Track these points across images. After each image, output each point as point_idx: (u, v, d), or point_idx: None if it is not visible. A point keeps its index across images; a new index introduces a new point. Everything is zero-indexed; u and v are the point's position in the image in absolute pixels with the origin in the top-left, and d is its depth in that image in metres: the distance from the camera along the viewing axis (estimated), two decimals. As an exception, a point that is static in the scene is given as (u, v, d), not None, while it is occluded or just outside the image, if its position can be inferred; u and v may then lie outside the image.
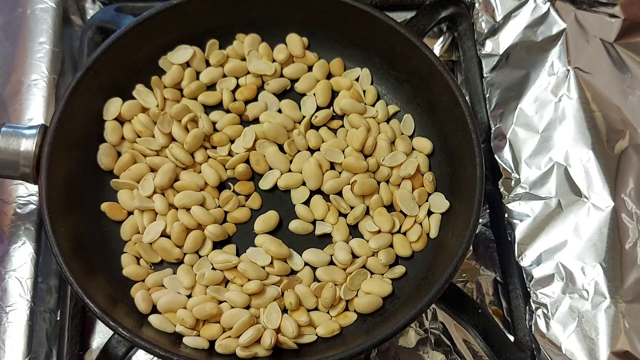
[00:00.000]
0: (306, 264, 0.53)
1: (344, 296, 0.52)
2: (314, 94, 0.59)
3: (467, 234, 0.49)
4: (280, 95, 0.59)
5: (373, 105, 0.58)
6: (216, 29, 0.59)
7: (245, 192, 0.56)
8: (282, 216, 0.55)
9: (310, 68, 0.59)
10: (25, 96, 0.60)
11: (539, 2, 0.61)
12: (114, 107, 0.56)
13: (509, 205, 0.56)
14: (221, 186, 0.56)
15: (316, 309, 0.52)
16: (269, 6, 0.58)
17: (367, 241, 0.54)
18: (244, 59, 0.59)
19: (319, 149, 0.56)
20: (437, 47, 0.67)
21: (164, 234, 0.53)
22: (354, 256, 0.53)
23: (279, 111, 0.58)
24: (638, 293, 0.51)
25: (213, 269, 0.52)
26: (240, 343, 0.48)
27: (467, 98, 0.58)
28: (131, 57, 0.56)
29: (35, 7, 0.63)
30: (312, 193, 0.55)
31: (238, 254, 0.53)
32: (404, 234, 0.54)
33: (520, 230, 0.54)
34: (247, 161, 0.56)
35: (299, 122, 0.57)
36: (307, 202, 0.55)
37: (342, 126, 0.58)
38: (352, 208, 0.55)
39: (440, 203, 0.55)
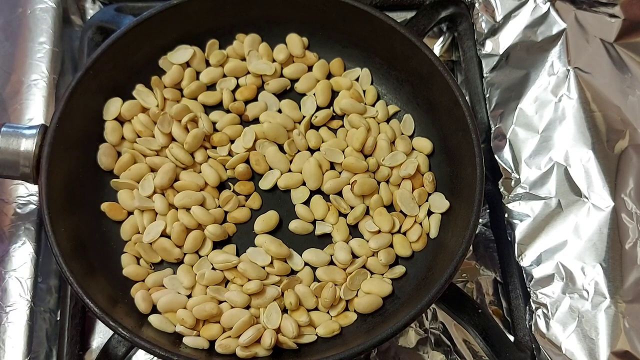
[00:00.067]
0: (306, 264, 0.53)
1: (344, 296, 0.52)
2: (314, 94, 0.58)
3: (467, 234, 0.49)
4: (280, 95, 0.59)
5: (373, 105, 0.58)
6: (216, 29, 0.59)
7: (245, 192, 0.56)
8: (282, 216, 0.55)
9: (310, 68, 0.59)
10: (25, 96, 0.60)
11: (539, 2, 0.61)
12: (114, 107, 0.56)
13: (509, 205, 0.56)
14: (221, 186, 0.56)
15: (316, 309, 0.52)
16: (269, 6, 0.58)
17: (367, 241, 0.53)
18: (244, 59, 0.59)
19: (319, 149, 0.56)
20: (437, 47, 0.67)
21: (164, 234, 0.53)
22: (354, 256, 0.53)
23: (279, 111, 0.58)
24: (638, 293, 0.51)
25: (213, 269, 0.52)
26: (240, 343, 0.48)
27: (467, 98, 0.58)
28: (131, 57, 0.56)
29: (35, 7, 0.63)
30: (312, 193, 0.55)
31: (238, 254, 0.53)
32: (404, 234, 0.54)
33: (520, 230, 0.54)
34: (247, 161, 0.56)
35: (299, 122, 0.57)
36: (307, 202, 0.55)
37: (342, 126, 0.58)
38: (352, 208, 0.55)
39: (440, 203, 0.55)
